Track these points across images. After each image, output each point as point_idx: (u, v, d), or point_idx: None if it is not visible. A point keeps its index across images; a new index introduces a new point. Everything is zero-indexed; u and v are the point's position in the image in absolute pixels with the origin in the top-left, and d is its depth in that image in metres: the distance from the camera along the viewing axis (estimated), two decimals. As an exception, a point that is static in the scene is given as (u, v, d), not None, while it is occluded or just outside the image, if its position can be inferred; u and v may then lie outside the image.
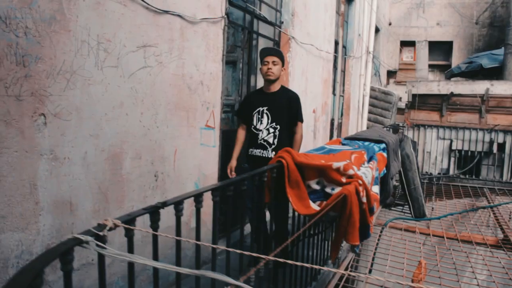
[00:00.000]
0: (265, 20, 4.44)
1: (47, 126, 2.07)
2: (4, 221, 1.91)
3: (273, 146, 3.29)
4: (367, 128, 8.98)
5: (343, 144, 3.60)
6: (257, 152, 3.32)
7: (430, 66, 12.74)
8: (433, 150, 8.79)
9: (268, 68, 3.23)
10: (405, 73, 12.71)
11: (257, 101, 3.37)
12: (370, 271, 5.06)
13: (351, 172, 2.48)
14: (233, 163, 3.40)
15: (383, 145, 3.66)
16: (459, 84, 8.70)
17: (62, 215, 2.19)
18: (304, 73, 5.35)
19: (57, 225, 2.16)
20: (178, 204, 1.44)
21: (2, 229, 1.90)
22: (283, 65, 3.34)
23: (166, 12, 2.78)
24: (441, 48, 12.45)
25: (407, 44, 12.91)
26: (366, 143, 3.73)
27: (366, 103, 8.69)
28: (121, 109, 2.50)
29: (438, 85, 8.57)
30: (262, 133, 3.31)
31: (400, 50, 13.08)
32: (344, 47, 7.76)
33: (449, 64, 12.48)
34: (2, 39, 1.85)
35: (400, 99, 9.89)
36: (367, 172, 2.84)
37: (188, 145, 3.14)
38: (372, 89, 9.25)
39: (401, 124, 8.91)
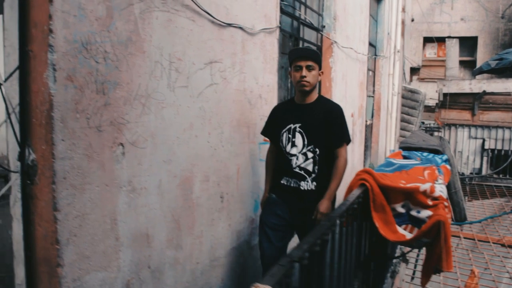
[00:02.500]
0: (310, 26, 4.28)
1: (125, 156, 1.94)
2: (89, 261, 1.78)
3: (313, 175, 2.53)
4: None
5: (404, 157, 3.44)
6: (292, 182, 2.58)
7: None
8: (464, 150, 8.58)
9: (302, 76, 2.48)
10: (428, 70, 12.45)
11: (287, 116, 2.63)
12: (412, 279, 4.91)
13: (436, 194, 2.34)
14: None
15: (445, 157, 3.49)
16: (492, 82, 8.46)
17: (140, 248, 2.06)
18: (344, 77, 5.18)
19: (135, 259, 2.03)
20: (304, 252, 1.30)
21: (87, 270, 1.77)
22: (320, 68, 2.58)
23: (230, 25, 2.63)
24: (465, 44, 12.14)
25: (430, 40, 12.62)
26: (425, 154, 3.56)
27: (395, 103, 8.47)
28: (191, 131, 2.36)
29: (470, 84, 8.33)
30: (297, 159, 2.55)
31: (423, 47, 12.81)
32: (374, 46, 7.57)
33: (473, 60, 12.19)
34: (83, 66, 1.71)
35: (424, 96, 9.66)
36: (443, 190, 2.68)
37: (249, 162, 3.00)
38: (399, 87, 9.03)
39: (431, 124, 8.71)
